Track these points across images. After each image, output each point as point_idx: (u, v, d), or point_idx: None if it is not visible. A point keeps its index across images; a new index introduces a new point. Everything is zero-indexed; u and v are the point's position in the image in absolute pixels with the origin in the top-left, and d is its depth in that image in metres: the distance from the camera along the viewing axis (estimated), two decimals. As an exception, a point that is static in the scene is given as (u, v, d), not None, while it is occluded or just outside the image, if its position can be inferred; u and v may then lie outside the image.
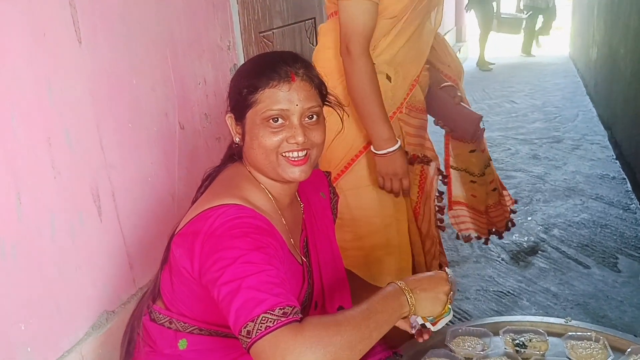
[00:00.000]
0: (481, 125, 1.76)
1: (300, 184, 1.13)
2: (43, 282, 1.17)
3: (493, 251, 2.52)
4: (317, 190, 1.22)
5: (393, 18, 1.48)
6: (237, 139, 1.05)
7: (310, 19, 2.71)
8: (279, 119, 0.99)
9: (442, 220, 1.77)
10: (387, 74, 1.54)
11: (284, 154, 1.00)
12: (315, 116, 1.02)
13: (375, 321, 0.86)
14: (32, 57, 1.13)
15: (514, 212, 1.98)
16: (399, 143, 1.49)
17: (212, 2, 1.78)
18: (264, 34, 2.20)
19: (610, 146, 3.78)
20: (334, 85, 1.51)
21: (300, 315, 0.81)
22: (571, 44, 7.33)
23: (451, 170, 1.87)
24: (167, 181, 1.60)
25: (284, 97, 0.98)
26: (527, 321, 1.31)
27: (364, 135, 1.55)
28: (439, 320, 1.00)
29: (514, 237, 2.63)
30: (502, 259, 2.46)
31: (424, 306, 0.96)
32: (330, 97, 1.11)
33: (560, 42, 8.24)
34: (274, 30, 2.30)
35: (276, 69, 0.98)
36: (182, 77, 1.65)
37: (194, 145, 1.75)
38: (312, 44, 2.74)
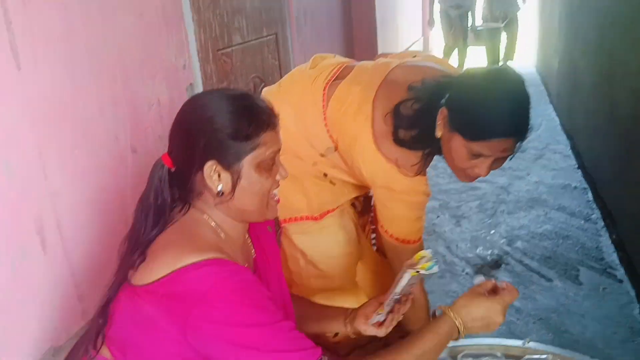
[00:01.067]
0: None
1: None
2: (-21, 322, 1.11)
3: (458, 266, 2.53)
4: (264, 224, 1.18)
5: None
6: (221, 187, 0.96)
7: (272, 34, 2.69)
8: (273, 160, 0.99)
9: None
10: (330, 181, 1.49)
11: (271, 194, 1.01)
12: None
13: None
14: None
15: None
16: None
17: (165, 21, 1.74)
18: (223, 51, 2.17)
19: (572, 156, 3.85)
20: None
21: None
22: (535, 53, 7.48)
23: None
24: (117, 207, 1.55)
25: (277, 138, 0.99)
26: (485, 344, 1.31)
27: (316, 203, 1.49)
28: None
29: (478, 250, 2.64)
30: (467, 273, 2.46)
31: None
32: None
33: (525, 52, 8.41)
34: (233, 47, 2.26)
35: (265, 111, 0.97)
36: (134, 98, 1.61)
37: (148, 168, 1.69)
38: (275, 60, 2.72)
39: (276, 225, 1.28)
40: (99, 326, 0.96)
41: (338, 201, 1.51)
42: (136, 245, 0.95)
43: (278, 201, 1.03)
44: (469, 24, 6.78)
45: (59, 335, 1.34)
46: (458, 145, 1.17)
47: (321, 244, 1.50)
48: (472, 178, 1.25)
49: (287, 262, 1.54)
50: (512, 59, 7.30)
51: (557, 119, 4.78)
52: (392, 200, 1.33)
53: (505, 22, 6.74)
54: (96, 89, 1.44)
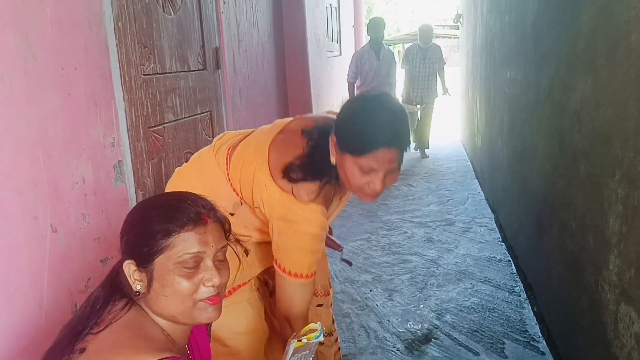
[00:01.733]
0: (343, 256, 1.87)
1: None
2: None
3: (389, 341, 2.54)
4: (205, 329, 1.16)
5: None
6: (139, 287, 0.95)
7: (206, 111, 2.74)
8: (192, 262, 0.95)
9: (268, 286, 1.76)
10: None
11: (198, 299, 0.96)
12: (223, 255, 1.01)
13: None
14: None
15: None
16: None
17: (94, 101, 1.75)
18: (154, 128, 2.19)
19: (496, 229, 4.04)
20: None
21: None
22: (461, 130, 7.96)
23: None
24: (33, 290, 1.48)
25: (200, 240, 0.95)
26: None
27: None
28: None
29: (408, 324, 2.67)
30: (397, 349, 2.47)
31: None
32: (230, 235, 1.07)
33: (453, 127, 8.92)
34: (165, 125, 2.29)
35: (188, 212, 0.96)
36: (56, 177, 1.58)
37: (69, 247, 1.64)
38: (209, 136, 2.76)
39: None
40: None
41: (251, 274, 1.53)
42: (78, 334, 0.92)
43: (215, 302, 0.98)
44: None
45: None
46: (350, 164, 1.25)
47: (229, 320, 1.46)
48: (372, 195, 1.29)
49: None
50: (426, 143, 6.96)
51: (482, 193, 5.04)
52: (287, 232, 1.33)
53: (422, 107, 6.67)
54: (15, 170, 1.41)
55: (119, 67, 1.90)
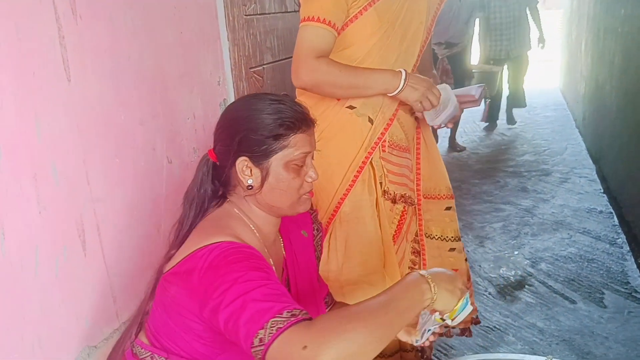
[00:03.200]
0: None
1: (282, 221, 1.15)
2: (25, 318, 1.17)
3: (480, 285, 2.53)
4: (299, 228, 1.24)
5: (360, 47, 1.53)
6: (250, 181, 1.06)
7: (302, 53, 2.77)
8: (301, 161, 1.06)
9: (415, 263, 1.76)
10: (369, 117, 1.58)
11: (303, 193, 1.08)
12: (313, 155, 1.12)
13: (395, 309, 0.83)
14: (20, 95, 1.15)
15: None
16: (402, 72, 1.49)
17: (203, 39, 1.82)
18: (254, 69, 2.25)
19: (598, 180, 3.83)
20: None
21: (309, 316, 0.81)
22: (561, 77, 7.46)
23: (425, 241, 1.80)
24: (153, 214, 1.62)
25: (307, 141, 1.07)
26: (509, 359, 1.32)
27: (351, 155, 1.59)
28: (455, 316, 0.97)
29: (501, 270, 2.64)
30: (490, 293, 2.46)
31: (444, 297, 0.92)
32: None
33: (551, 74, 8.37)
34: (264, 66, 2.34)
35: (298, 115, 1.05)
36: (172, 111, 1.68)
37: (182, 178, 1.76)
38: (303, 78, 2.79)
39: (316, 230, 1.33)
40: (138, 312, 1.05)
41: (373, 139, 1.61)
42: (177, 238, 1.04)
43: (311, 195, 1.10)
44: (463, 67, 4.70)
45: (94, 336, 1.39)
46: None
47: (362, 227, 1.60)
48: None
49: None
50: (524, 106, 5.70)
51: (582, 144, 4.77)
52: None
53: (508, 63, 5.22)
54: (138, 101, 1.52)
55: (224, 6, 1.95)
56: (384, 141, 1.61)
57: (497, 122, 5.64)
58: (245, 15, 2.14)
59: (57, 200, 1.26)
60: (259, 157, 1.04)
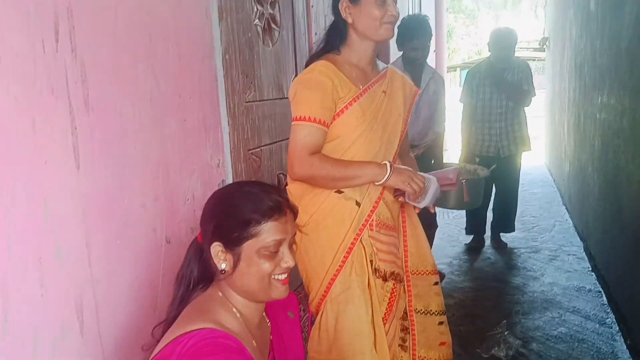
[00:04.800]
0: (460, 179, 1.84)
1: (267, 304, 1.20)
2: (19, 400, 1.18)
3: (473, 366, 2.53)
4: (285, 309, 1.28)
5: (345, 139, 1.66)
6: (224, 266, 1.12)
7: (297, 135, 2.90)
8: (274, 247, 1.10)
9: (404, 340, 1.80)
10: (356, 200, 1.68)
11: (274, 277, 1.11)
12: (294, 240, 1.16)
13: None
14: (31, 183, 1.23)
15: None
16: (386, 164, 1.65)
17: (205, 125, 1.94)
18: (252, 151, 2.36)
19: (586, 258, 3.89)
20: (303, 207, 1.67)
21: None
22: (547, 154, 7.70)
23: (415, 316, 1.88)
24: (149, 294, 1.65)
25: (282, 229, 1.11)
26: None
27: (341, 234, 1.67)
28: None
29: (493, 351, 2.64)
30: (482, 375, 2.46)
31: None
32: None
33: (537, 150, 8.62)
34: (262, 147, 2.46)
35: (272, 202, 1.11)
36: (172, 194, 1.76)
37: (179, 257, 1.80)
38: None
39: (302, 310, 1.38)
40: None
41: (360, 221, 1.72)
42: (166, 320, 1.09)
43: (285, 282, 1.13)
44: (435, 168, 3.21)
45: (85, 418, 1.39)
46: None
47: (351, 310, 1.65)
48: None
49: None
50: (509, 227, 4.27)
51: (570, 221, 4.86)
52: (296, 84, 1.71)
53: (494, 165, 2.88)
54: (141, 186, 1.60)
55: (225, 95, 2.08)
56: (372, 221, 1.70)
57: (485, 237, 4.34)
58: (246, 102, 2.27)
59: (58, 282, 1.31)
60: (231, 243, 1.10)
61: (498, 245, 4.24)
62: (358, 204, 1.68)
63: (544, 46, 8.25)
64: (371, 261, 1.70)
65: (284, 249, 1.12)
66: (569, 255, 4.01)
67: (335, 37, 1.70)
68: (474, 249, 4.21)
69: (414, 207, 1.75)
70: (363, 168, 1.64)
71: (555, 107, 6.40)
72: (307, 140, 1.58)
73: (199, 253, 1.19)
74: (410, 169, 1.71)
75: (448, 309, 3.17)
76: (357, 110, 1.64)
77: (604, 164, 3.29)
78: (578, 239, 4.34)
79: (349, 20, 1.67)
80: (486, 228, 4.30)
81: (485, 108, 3.91)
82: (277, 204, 1.11)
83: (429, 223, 2.18)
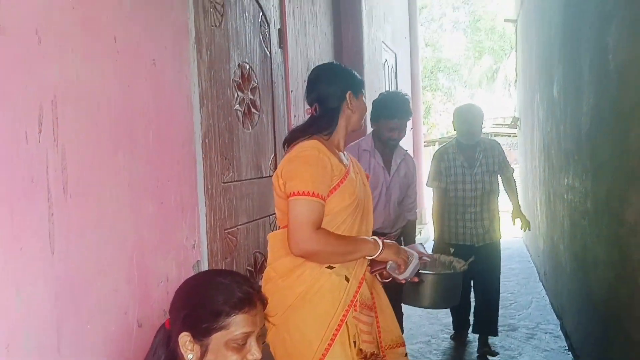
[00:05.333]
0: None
1: None
2: None
3: None
4: None
5: (338, 215, 1.71)
6: (191, 356, 1.12)
7: (275, 213, 2.96)
8: (242, 340, 1.12)
9: None
10: (345, 276, 1.71)
11: None
12: (262, 331, 1.17)
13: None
14: (5, 270, 1.25)
15: None
16: (379, 241, 1.73)
17: (182, 207, 1.99)
18: (229, 230, 2.40)
19: (562, 336, 3.89)
20: (289, 285, 1.69)
21: None
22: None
23: None
24: (119, 380, 1.63)
25: (251, 321, 1.13)
26: None
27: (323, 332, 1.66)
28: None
29: None
30: None
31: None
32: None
33: (512, 225, 8.71)
34: (239, 227, 2.50)
35: (243, 295, 1.13)
36: (146, 276, 1.77)
37: (150, 340, 1.80)
38: (275, 236, 2.94)
39: None
40: None
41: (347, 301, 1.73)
42: None
43: None
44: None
45: None
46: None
47: None
48: None
49: None
50: (492, 330, 3.70)
51: (547, 297, 4.89)
52: (292, 161, 1.74)
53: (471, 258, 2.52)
54: (115, 269, 1.62)
55: (203, 177, 2.15)
56: (357, 300, 1.73)
57: (468, 332, 3.92)
58: (223, 182, 2.34)
59: (25, 370, 1.30)
60: (200, 334, 1.11)
61: (483, 346, 3.64)
62: (347, 279, 1.71)
63: (516, 124, 8.61)
64: (355, 342, 1.71)
65: (252, 341, 1.13)
66: (545, 333, 4.00)
67: (329, 124, 1.79)
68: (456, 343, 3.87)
69: (398, 279, 1.80)
70: (360, 242, 1.71)
71: (529, 183, 6.60)
72: (314, 216, 1.62)
73: (166, 340, 1.20)
74: (395, 243, 1.80)
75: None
76: (348, 186, 1.73)
77: (573, 244, 3.38)
78: (554, 316, 4.35)
79: (349, 113, 1.81)
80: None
81: (458, 192, 3.46)
82: (248, 296, 1.14)
83: (396, 299, 2.20)
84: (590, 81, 2.64)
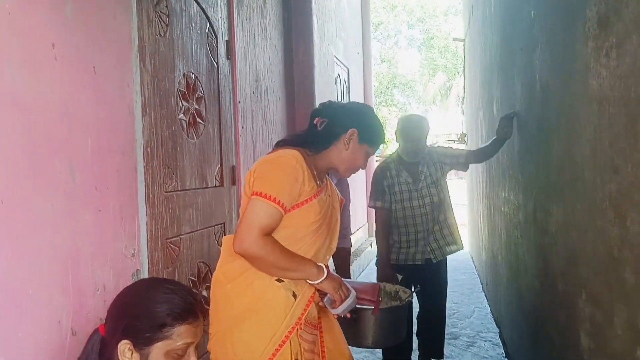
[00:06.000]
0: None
1: None
2: None
3: None
4: None
5: (299, 230, 1.73)
6: None
7: (220, 224, 2.97)
8: (182, 350, 1.15)
9: None
10: (293, 292, 1.73)
11: None
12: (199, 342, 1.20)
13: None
14: None
15: None
16: (324, 268, 1.73)
17: (120, 216, 1.98)
18: (171, 239, 2.40)
19: (501, 344, 4.05)
20: (237, 292, 1.70)
21: None
22: (469, 241, 8.08)
23: None
24: (49, 390, 1.61)
25: (193, 332, 1.16)
26: None
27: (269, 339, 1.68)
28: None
29: None
30: None
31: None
32: None
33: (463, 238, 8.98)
34: (182, 236, 2.50)
35: (186, 306, 1.15)
36: (82, 285, 1.76)
37: (85, 350, 1.78)
38: (221, 246, 2.95)
39: None
40: None
41: (293, 319, 1.76)
42: None
43: None
44: None
45: None
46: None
47: None
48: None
49: None
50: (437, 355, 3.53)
51: (488, 307, 5.07)
52: (264, 164, 1.77)
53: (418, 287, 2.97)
54: (48, 278, 1.60)
55: (145, 186, 2.15)
56: (303, 319, 1.75)
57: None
58: (166, 192, 2.34)
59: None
60: (142, 343, 1.13)
61: None
62: (295, 295, 1.72)
63: (464, 140, 8.91)
64: (296, 359, 1.73)
65: (191, 351, 1.16)
66: (485, 341, 4.15)
67: (322, 142, 1.80)
68: None
69: (331, 312, 1.84)
70: (305, 264, 1.70)
71: (474, 197, 6.84)
72: (266, 221, 1.62)
73: (100, 346, 1.20)
74: (339, 277, 1.81)
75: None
76: (315, 206, 1.73)
77: (509, 254, 3.54)
78: (494, 325, 4.51)
79: (342, 148, 1.81)
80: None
81: (405, 210, 3.17)
82: (192, 308, 1.16)
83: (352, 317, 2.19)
84: (522, 100, 2.80)
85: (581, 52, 1.62)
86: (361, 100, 8.35)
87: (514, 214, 3.17)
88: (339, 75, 6.91)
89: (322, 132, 1.80)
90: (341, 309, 1.79)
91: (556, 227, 2.03)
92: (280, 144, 1.82)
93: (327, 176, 1.91)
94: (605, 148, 1.42)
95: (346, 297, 1.78)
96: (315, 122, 1.82)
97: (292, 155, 1.71)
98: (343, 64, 7.14)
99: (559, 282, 2.00)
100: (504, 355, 3.81)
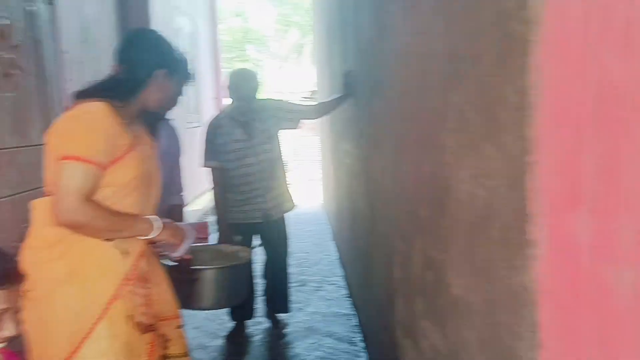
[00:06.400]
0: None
1: None
2: None
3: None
4: None
5: (122, 188, 1.63)
6: None
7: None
8: None
9: None
10: (125, 249, 1.65)
11: None
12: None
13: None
14: None
15: None
16: (157, 222, 1.68)
17: None
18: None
19: (346, 286, 4.37)
20: (56, 257, 1.59)
21: None
22: (322, 193, 8.46)
23: None
24: None
25: (10, 298, 1.12)
26: None
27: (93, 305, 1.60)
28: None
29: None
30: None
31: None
32: None
33: (315, 190, 9.38)
34: (2, 200, 2.28)
35: (2, 272, 1.10)
36: None
37: None
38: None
39: None
40: None
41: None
42: None
43: (2, 352, 1.11)
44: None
45: None
46: None
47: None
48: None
49: None
50: (283, 307, 3.65)
51: (337, 254, 5.41)
52: (69, 120, 1.65)
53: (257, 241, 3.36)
54: None
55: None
56: (132, 275, 1.69)
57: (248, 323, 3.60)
58: (-25, 151, 2.11)
59: None
60: None
61: (276, 326, 3.59)
62: (125, 253, 1.65)
63: (314, 97, 9.17)
64: (132, 315, 1.68)
65: (8, 318, 1.11)
66: (331, 285, 4.45)
67: (128, 90, 1.67)
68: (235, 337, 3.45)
69: (171, 257, 1.82)
70: (134, 222, 1.63)
71: (325, 151, 7.13)
72: (84, 185, 1.49)
73: None
74: (172, 222, 1.78)
75: (217, 350, 3.26)
76: (134, 159, 1.64)
77: (349, 203, 3.79)
78: (341, 269, 4.85)
79: (154, 88, 1.71)
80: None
81: (241, 169, 3.12)
82: (7, 273, 1.11)
83: (191, 278, 2.17)
84: (353, 56, 2.95)
85: (393, 12, 1.75)
86: (210, 55, 8.12)
87: (353, 164, 3.39)
88: (181, 27, 6.63)
89: (125, 80, 1.69)
90: (182, 251, 1.80)
91: (377, 174, 2.22)
92: (81, 96, 1.67)
93: (141, 125, 1.82)
94: (408, 103, 1.57)
95: (184, 239, 1.79)
96: (113, 70, 1.72)
97: (98, 108, 1.59)
98: (187, 14, 6.85)
99: (380, 223, 2.21)
100: (348, 295, 4.13)
